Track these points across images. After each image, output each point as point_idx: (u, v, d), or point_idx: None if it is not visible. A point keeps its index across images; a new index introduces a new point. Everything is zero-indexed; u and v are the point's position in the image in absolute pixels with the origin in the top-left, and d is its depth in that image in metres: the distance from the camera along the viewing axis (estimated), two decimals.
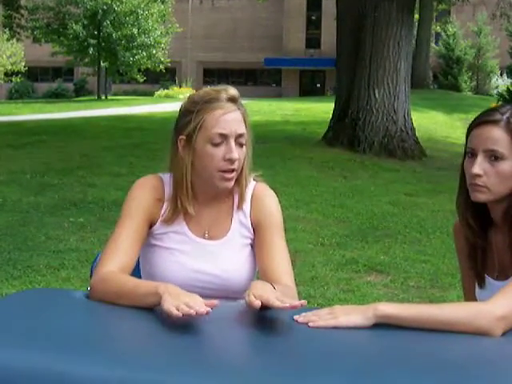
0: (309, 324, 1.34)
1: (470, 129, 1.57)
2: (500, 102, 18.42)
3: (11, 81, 34.13)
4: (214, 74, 38.63)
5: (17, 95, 35.05)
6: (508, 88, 20.11)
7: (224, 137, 1.62)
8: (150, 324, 1.38)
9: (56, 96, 33.71)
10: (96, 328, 1.34)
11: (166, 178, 1.72)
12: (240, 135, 1.64)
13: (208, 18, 38.55)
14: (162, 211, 1.70)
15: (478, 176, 1.53)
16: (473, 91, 31.87)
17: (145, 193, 1.69)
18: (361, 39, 10.00)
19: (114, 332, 1.37)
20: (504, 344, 1.31)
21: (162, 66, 29.81)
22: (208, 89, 1.69)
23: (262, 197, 1.75)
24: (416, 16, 20.67)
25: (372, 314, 1.34)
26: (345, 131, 10.09)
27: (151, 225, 1.71)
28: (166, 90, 32.00)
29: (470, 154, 1.56)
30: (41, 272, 4.25)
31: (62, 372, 1.12)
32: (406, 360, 1.21)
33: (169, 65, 30.87)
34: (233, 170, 1.64)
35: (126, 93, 34.36)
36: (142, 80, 30.57)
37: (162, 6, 29.10)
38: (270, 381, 1.10)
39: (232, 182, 1.66)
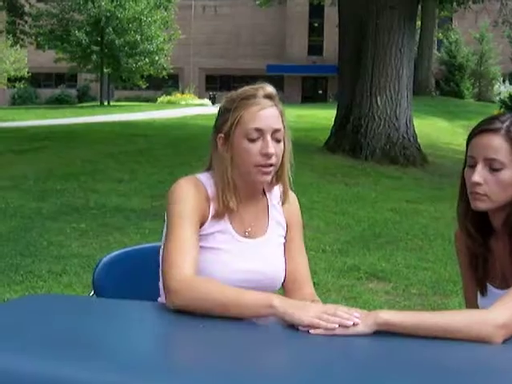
0: (310, 331, 1.34)
1: (470, 137, 1.57)
2: (502, 109, 18.43)
3: (14, 86, 34.24)
4: (216, 81, 38.71)
5: (20, 101, 35.14)
6: (510, 94, 20.14)
7: (260, 132, 1.62)
8: (154, 325, 1.38)
9: (59, 102, 33.79)
10: (99, 333, 1.34)
11: (203, 178, 1.68)
12: (276, 130, 1.64)
13: (210, 25, 38.66)
14: (210, 210, 1.66)
15: (478, 184, 1.52)
16: (475, 98, 31.87)
17: (192, 192, 1.63)
18: (363, 46, 10.02)
19: (117, 337, 1.37)
20: (505, 351, 1.30)
21: (164, 73, 29.92)
22: (246, 87, 1.70)
23: (291, 197, 1.79)
24: (418, 23, 20.72)
25: (373, 321, 1.33)
26: (347, 138, 10.10)
27: (201, 224, 1.64)
28: (168, 97, 32.10)
29: (470, 162, 1.56)
30: (43, 277, 4.26)
31: (59, 377, 1.12)
32: (407, 368, 1.20)
33: (171, 71, 30.98)
34: (270, 165, 1.63)
35: (128, 99, 34.43)
36: (144, 86, 30.69)
37: (165, 13, 29.25)
38: None
39: (269, 176, 1.66)
